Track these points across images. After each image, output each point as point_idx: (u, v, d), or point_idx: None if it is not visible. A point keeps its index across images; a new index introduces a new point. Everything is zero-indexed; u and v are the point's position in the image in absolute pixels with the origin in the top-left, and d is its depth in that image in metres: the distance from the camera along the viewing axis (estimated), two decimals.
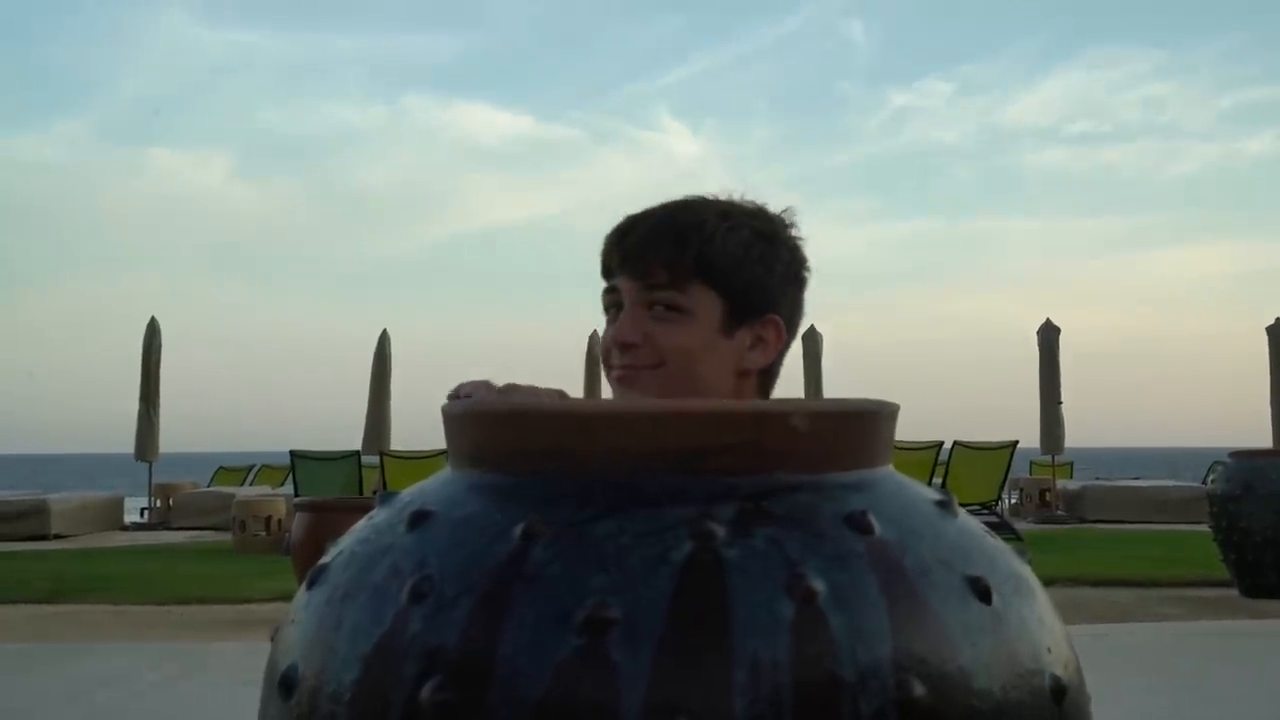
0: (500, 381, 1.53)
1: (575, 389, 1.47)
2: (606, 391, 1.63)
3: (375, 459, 14.23)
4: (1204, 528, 9.03)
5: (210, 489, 18.69)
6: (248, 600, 8.71)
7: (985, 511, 12.76)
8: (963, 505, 1.13)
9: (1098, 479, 19.59)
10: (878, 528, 0.98)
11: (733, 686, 0.87)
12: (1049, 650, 1.02)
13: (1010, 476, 14.66)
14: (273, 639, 1.09)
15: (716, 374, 1.53)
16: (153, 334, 17.28)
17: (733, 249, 1.54)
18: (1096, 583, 8.91)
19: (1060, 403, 16.63)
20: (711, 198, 1.60)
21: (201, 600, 8.78)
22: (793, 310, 1.61)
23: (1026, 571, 1.10)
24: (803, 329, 1.68)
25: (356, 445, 15.48)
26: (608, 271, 1.59)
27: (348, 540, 1.09)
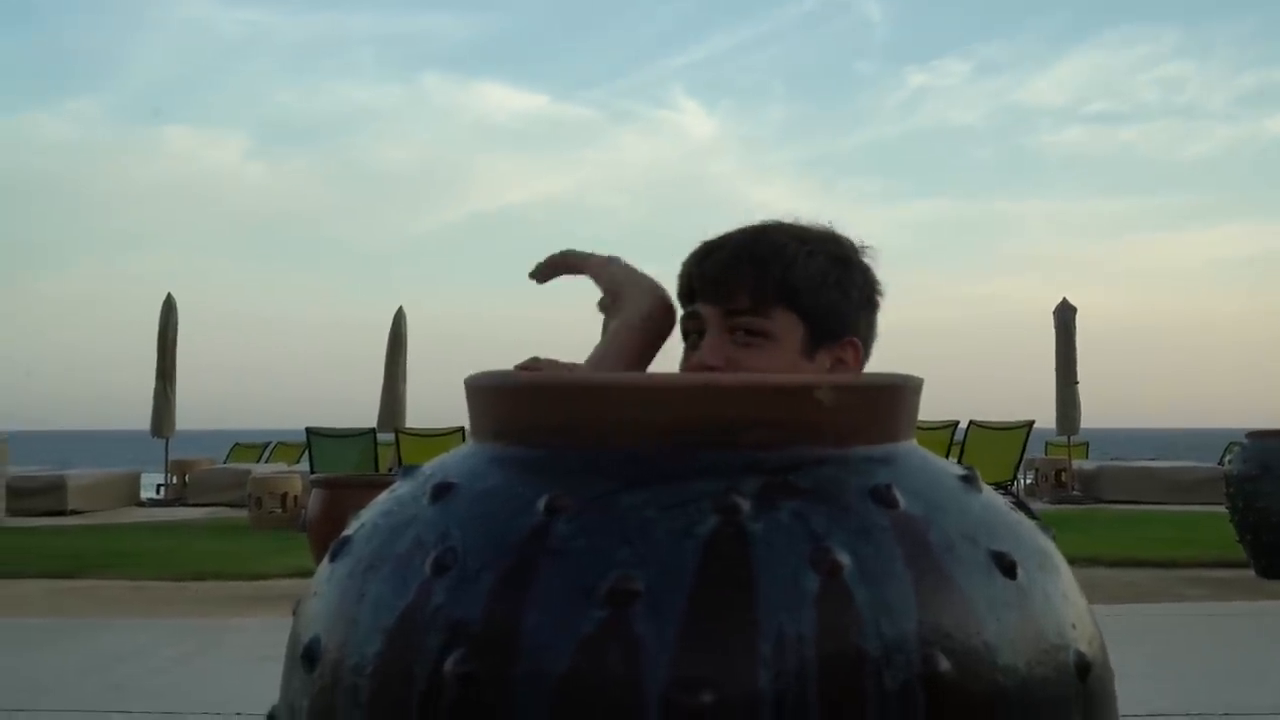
0: (522, 358, 1.53)
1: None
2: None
3: (390, 436, 14.28)
4: (1220, 508, 9.02)
5: (226, 465, 18.79)
6: (264, 576, 8.76)
7: (1001, 491, 12.70)
8: None
9: (1113, 459, 19.55)
10: (903, 502, 0.97)
11: (758, 660, 0.87)
12: (1073, 626, 1.02)
13: (1026, 456, 14.65)
14: (294, 612, 1.09)
15: None
16: (169, 311, 17.34)
17: (813, 273, 1.56)
18: (1112, 563, 8.91)
19: (1076, 383, 16.60)
20: (785, 222, 1.62)
21: (218, 576, 8.83)
22: (868, 332, 1.64)
23: (1051, 547, 1.10)
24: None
25: (372, 423, 15.54)
26: (687, 297, 1.60)
27: (370, 513, 1.08)
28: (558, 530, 0.93)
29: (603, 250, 1.60)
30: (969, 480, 1.08)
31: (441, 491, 1.02)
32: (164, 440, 17.25)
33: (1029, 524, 1.10)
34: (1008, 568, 0.98)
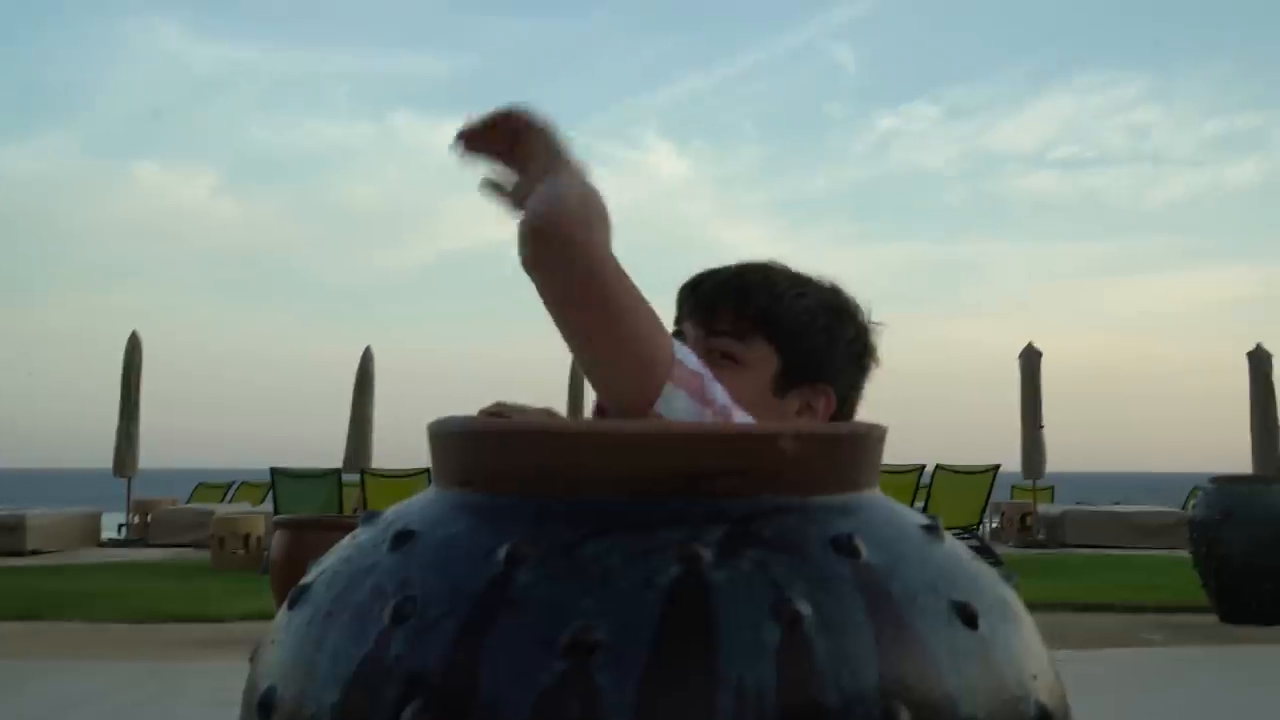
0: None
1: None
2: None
3: (356, 477, 14.17)
4: (1184, 553, 9.05)
5: (189, 505, 18.57)
6: (224, 619, 8.65)
7: (967, 535, 12.76)
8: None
9: (1078, 503, 19.59)
10: (865, 551, 0.97)
11: (718, 712, 0.86)
12: (1035, 677, 1.02)
13: (991, 500, 14.67)
14: (252, 659, 1.07)
15: None
16: (134, 349, 17.21)
17: (798, 312, 1.57)
18: (1077, 608, 8.91)
19: (1042, 427, 16.68)
20: (790, 268, 1.63)
21: (178, 618, 8.72)
22: (848, 389, 1.62)
23: (1012, 597, 1.10)
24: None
25: (337, 463, 15.43)
26: (678, 320, 1.61)
27: (330, 559, 1.07)
28: (519, 580, 0.92)
29: None
30: (931, 530, 1.08)
31: (402, 539, 1.01)
32: (126, 480, 17.08)
33: (991, 573, 1.10)
34: (969, 618, 0.98)
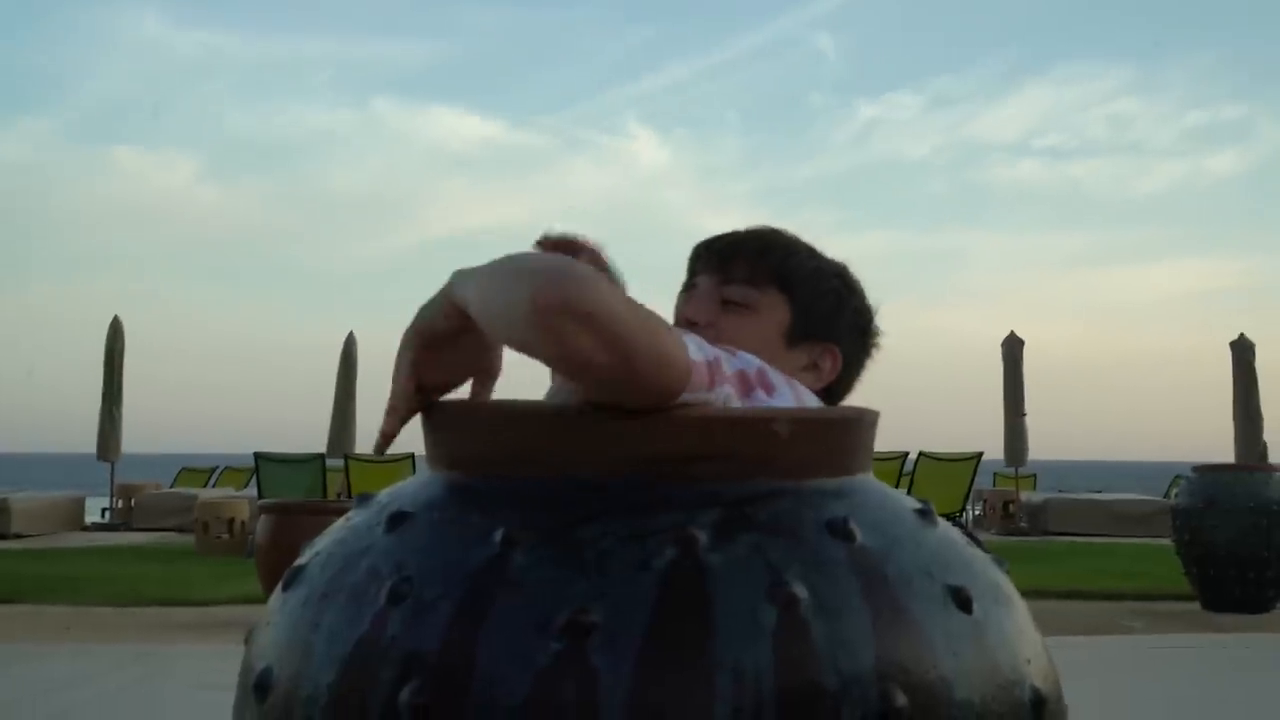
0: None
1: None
2: None
3: (340, 462, 14.15)
4: (1167, 541, 9.09)
5: (173, 490, 18.54)
6: (209, 603, 8.64)
7: (949, 523, 12.78)
8: None
9: (1061, 491, 19.67)
10: (859, 535, 0.98)
11: (715, 694, 0.86)
12: (1029, 661, 1.02)
13: (974, 488, 14.72)
14: (247, 641, 1.07)
15: None
16: (116, 334, 17.13)
17: (811, 271, 1.60)
18: (1059, 595, 8.94)
19: (1024, 415, 16.73)
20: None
21: (162, 602, 8.70)
22: (851, 356, 1.63)
23: (1005, 581, 1.10)
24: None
25: (322, 448, 15.40)
26: (691, 274, 1.62)
27: (324, 541, 1.07)
28: (515, 561, 0.92)
29: None
30: (925, 514, 1.08)
31: (397, 521, 1.01)
32: (109, 464, 17.03)
33: (984, 558, 1.11)
34: (964, 602, 0.98)
